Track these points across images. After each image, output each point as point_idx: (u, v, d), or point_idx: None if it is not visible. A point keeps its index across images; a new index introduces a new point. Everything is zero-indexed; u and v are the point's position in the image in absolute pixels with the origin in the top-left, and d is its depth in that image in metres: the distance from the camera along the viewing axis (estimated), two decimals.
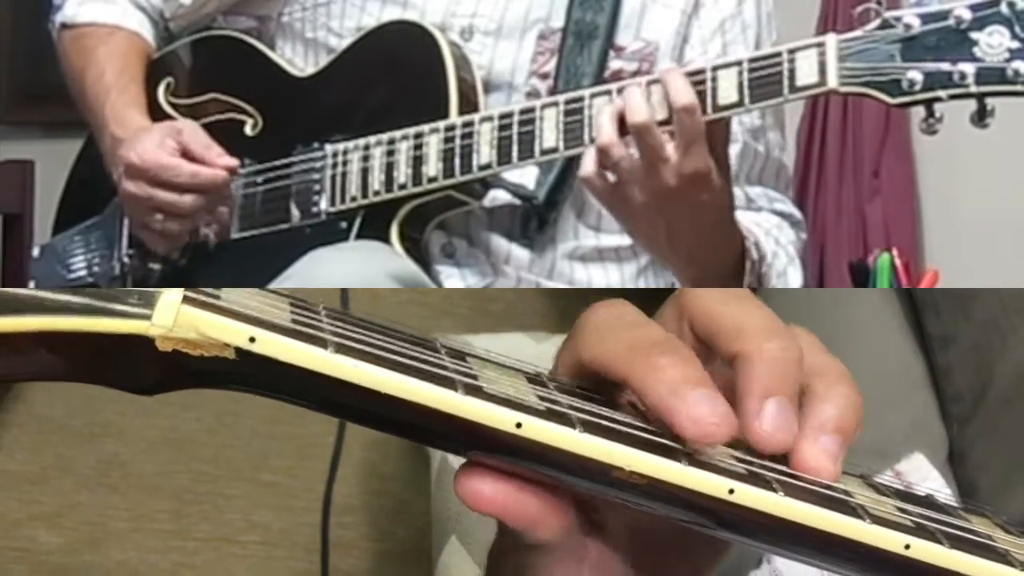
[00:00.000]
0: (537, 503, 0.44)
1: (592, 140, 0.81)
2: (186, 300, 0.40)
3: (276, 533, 1.60)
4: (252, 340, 0.40)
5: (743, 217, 0.88)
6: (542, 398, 0.44)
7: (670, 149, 0.75)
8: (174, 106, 0.98)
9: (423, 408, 0.42)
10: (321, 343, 0.41)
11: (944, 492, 0.84)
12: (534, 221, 0.91)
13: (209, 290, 0.43)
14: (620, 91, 0.80)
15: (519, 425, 0.42)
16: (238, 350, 0.40)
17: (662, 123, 0.76)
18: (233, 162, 0.90)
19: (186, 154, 0.89)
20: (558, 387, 0.46)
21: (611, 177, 0.77)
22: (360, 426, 0.44)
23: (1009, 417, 0.88)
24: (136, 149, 0.90)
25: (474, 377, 0.43)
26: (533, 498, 0.44)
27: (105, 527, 1.58)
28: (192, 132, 0.91)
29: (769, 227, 0.94)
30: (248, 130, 0.95)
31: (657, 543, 0.49)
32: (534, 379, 0.46)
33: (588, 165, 0.78)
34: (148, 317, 0.40)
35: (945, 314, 0.92)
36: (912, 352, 0.94)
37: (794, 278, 0.92)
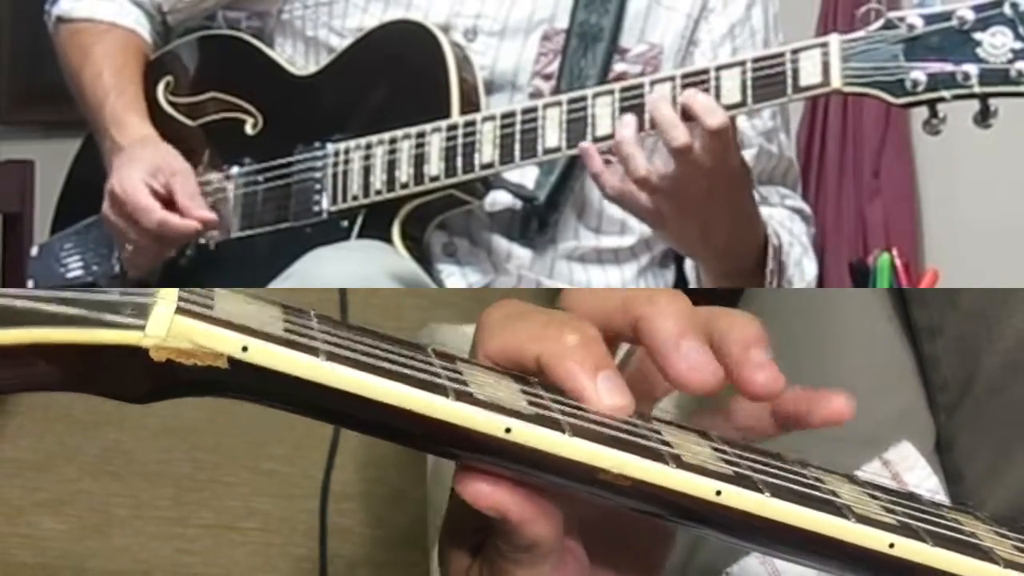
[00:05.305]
0: (531, 503, 0.44)
1: (595, 140, 0.81)
2: (179, 311, 0.41)
3: (275, 520, 1.60)
4: (245, 349, 0.41)
5: None
6: (531, 402, 0.44)
7: (702, 157, 0.75)
8: (173, 105, 0.97)
9: (413, 414, 0.42)
10: (313, 351, 0.42)
11: (931, 481, 0.85)
12: (534, 222, 0.91)
13: (202, 291, 0.44)
14: (623, 90, 0.80)
15: (508, 430, 0.43)
16: (231, 359, 0.41)
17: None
18: (211, 216, 0.90)
19: (168, 197, 0.89)
20: (546, 390, 0.46)
21: (643, 195, 0.77)
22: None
23: (995, 406, 0.88)
24: (121, 176, 0.90)
25: (464, 383, 0.44)
26: (528, 497, 0.44)
27: (107, 514, 1.59)
28: (183, 178, 0.90)
29: (782, 219, 0.94)
30: (248, 129, 0.94)
31: (614, 540, 0.50)
32: (523, 382, 0.47)
33: (612, 181, 0.78)
34: (142, 328, 0.40)
35: (932, 305, 0.92)
36: (900, 343, 0.94)
37: (809, 268, 0.93)
